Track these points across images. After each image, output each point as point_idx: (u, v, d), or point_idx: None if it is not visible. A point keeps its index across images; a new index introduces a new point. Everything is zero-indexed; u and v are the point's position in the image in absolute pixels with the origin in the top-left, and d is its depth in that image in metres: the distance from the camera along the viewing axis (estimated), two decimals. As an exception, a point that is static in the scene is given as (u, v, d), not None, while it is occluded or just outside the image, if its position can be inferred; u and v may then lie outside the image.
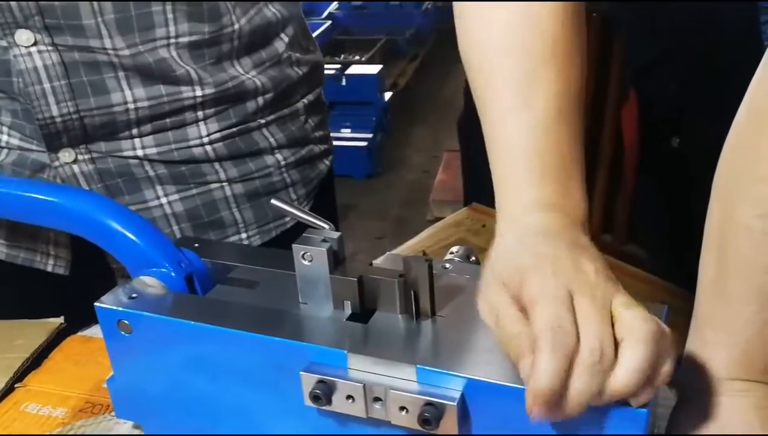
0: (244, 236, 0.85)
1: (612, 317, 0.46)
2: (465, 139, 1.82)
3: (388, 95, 3.57)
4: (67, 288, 0.84)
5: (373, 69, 3.44)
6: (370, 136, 3.28)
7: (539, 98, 0.56)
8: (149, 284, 0.60)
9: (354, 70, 3.41)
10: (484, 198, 1.45)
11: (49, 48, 0.73)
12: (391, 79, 3.75)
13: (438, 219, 1.65)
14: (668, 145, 1.29)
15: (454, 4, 0.62)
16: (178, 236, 0.82)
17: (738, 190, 0.52)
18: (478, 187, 1.61)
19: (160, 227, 0.81)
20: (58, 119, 0.75)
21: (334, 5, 4.31)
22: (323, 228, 0.57)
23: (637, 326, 0.45)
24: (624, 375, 0.44)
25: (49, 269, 0.83)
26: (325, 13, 4.21)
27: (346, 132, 3.24)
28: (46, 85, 0.74)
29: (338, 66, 3.40)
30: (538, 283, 0.47)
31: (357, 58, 3.71)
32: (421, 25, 4.29)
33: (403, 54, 4.07)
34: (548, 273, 0.48)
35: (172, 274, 0.60)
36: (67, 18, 0.72)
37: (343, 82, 3.33)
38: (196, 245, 0.66)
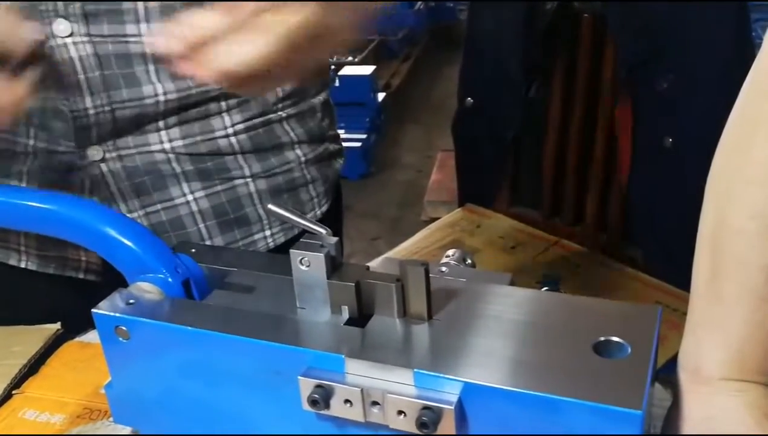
0: (267, 233, 0.86)
1: None
2: (459, 140, 1.82)
3: (381, 96, 3.58)
4: (71, 293, 0.84)
5: (366, 70, 3.45)
6: (363, 136, 3.29)
7: None
8: (146, 289, 0.60)
9: (347, 71, 3.42)
10: (479, 198, 1.45)
11: (84, 39, 0.74)
12: (384, 79, 3.76)
13: (433, 219, 1.66)
14: (661, 145, 1.30)
15: None
16: (204, 233, 0.83)
17: (731, 192, 0.52)
18: (473, 188, 1.62)
19: (186, 226, 0.82)
20: (91, 111, 0.76)
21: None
22: (321, 233, 0.57)
23: None
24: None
25: (81, 275, 0.84)
26: (318, 15, 4.21)
27: (339, 133, 3.24)
28: (81, 77, 0.75)
29: (331, 67, 3.40)
30: None
31: (350, 59, 3.71)
32: (413, 25, 4.31)
33: (395, 55, 4.08)
34: None
35: (170, 279, 0.60)
36: (107, 3, 0.73)
37: (336, 83, 3.33)
38: (193, 250, 0.66)
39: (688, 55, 1.28)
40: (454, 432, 0.49)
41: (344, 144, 3.38)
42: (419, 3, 4.43)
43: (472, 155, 1.64)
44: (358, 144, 3.24)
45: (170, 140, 0.80)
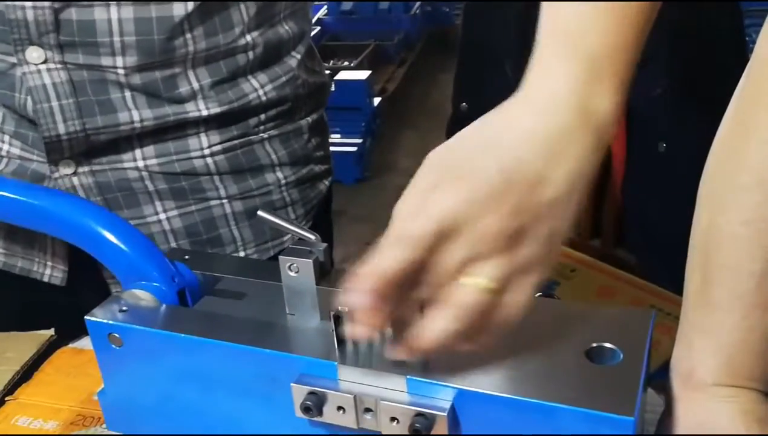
0: (242, 254, 0.84)
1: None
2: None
3: (377, 100, 3.57)
4: (60, 300, 0.83)
5: (362, 74, 3.44)
6: (359, 141, 3.28)
7: None
8: (140, 297, 0.60)
9: (343, 75, 3.41)
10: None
11: (59, 66, 0.73)
12: (379, 84, 3.75)
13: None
14: (655, 150, 1.30)
15: None
16: None
17: (723, 197, 0.52)
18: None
19: (157, 243, 0.81)
20: (65, 137, 0.75)
21: (322, 11, 4.32)
22: (310, 239, 0.57)
23: (452, 300, 0.47)
24: (423, 331, 0.48)
25: (46, 278, 0.83)
26: (314, 19, 4.21)
27: (335, 137, 3.24)
28: (54, 104, 0.74)
29: (327, 72, 3.40)
30: (437, 196, 0.47)
31: (346, 63, 3.71)
32: (409, 30, 4.30)
33: (391, 59, 4.07)
34: (453, 192, 0.47)
35: (164, 289, 0.60)
36: (82, 35, 0.72)
37: (332, 88, 3.33)
38: (187, 257, 0.66)
39: (683, 60, 1.28)
40: (447, 439, 0.49)
41: (339, 148, 3.32)
42: (415, 7, 4.44)
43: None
44: (354, 148, 3.23)
45: (144, 158, 0.79)
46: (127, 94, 0.75)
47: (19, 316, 0.86)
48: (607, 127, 0.50)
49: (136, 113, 0.76)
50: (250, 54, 0.79)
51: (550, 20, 0.52)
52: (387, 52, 4.05)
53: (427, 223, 0.46)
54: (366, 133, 3.37)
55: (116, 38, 0.72)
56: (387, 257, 0.46)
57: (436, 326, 0.47)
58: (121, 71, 0.74)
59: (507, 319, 0.48)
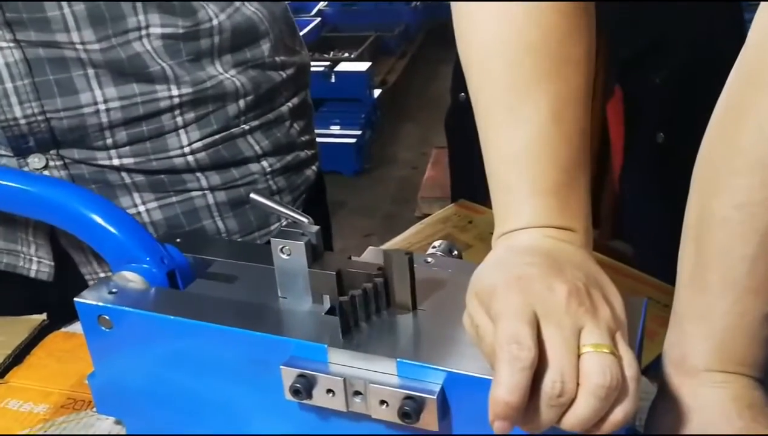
0: None
1: (579, 348, 0.44)
2: (452, 136, 1.82)
3: (377, 92, 3.57)
4: (50, 287, 0.83)
5: (362, 66, 3.44)
6: (359, 133, 3.27)
7: (530, 104, 0.52)
8: (130, 279, 0.60)
9: (343, 67, 3.41)
10: (472, 194, 1.45)
11: (11, 44, 0.70)
12: (380, 76, 3.75)
13: (426, 216, 1.65)
14: (653, 141, 1.29)
15: (452, 3, 0.58)
16: None
17: (716, 182, 0.52)
18: (466, 184, 1.61)
19: None
20: (22, 121, 0.72)
21: (323, 3, 4.31)
22: (302, 222, 0.57)
23: (593, 376, 0.43)
24: (570, 420, 0.43)
25: (33, 274, 0.80)
26: (314, 11, 4.20)
27: (335, 129, 3.23)
28: (8, 85, 0.70)
29: (327, 63, 3.39)
30: (503, 300, 0.45)
31: (346, 55, 3.71)
32: (410, 22, 4.30)
33: (392, 51, 4.07)
34: (514, 291, 0.46)
35: (154, 270, 0.60)
36: (29, 11, 0.69)
37: (333, 80, 3.33)
38: (178, 239, 0.66)
39: (682, 50, 1.28)
40: (437, 422, 0.49)
41: (339, 140, 3.30)
42: (416, 0, 4.43)
43: (465, 150, 1.63)
44: (353, 140, 3.23)
45: (120, 157, 0.76)
46: (90, 71, 0.72)
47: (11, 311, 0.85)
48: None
49: (99, 93, 0.73)
50: (216, 38, 0.76)
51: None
52: (387, 44, 4.04)
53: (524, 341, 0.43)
54: (366, 124, 3.36)
55: (66, 11, 0.69)
56: (506, 386, 0.43)
57: (586, 405, 0.43)
58: (80, 47, 0.70)
59: (634, 384, 0.44)
